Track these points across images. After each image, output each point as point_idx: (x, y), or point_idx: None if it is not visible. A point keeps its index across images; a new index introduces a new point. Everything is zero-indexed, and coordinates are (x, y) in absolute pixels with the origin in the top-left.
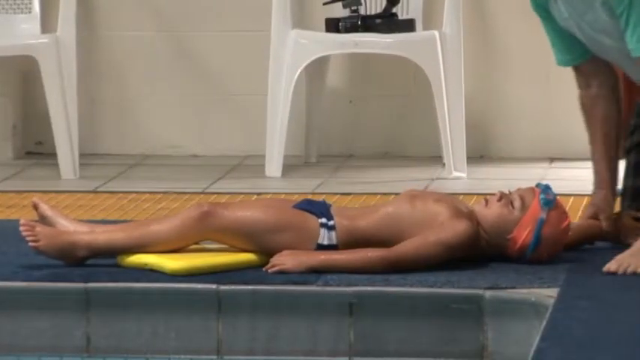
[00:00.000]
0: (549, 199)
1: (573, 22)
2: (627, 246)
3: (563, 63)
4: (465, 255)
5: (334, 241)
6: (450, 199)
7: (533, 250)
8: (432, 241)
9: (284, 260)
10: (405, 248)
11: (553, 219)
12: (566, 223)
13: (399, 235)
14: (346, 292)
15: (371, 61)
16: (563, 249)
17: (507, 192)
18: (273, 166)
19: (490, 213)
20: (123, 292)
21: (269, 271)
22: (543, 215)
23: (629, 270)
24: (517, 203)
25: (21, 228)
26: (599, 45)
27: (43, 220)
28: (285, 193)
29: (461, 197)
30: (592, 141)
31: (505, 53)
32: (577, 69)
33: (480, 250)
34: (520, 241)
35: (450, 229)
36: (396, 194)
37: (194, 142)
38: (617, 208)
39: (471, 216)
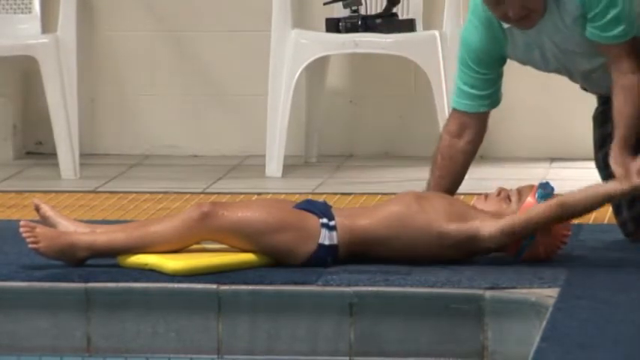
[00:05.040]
0: (546, 192)
1: (537, 48)
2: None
3: (460, 106)
4: (464, 253)
5: (335, 241)
6: (456, 199)
7: (529, 243)
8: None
9: None
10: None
11: None
12: None
13: (404, 232)
14: (347, 292)
15: (371, 61)
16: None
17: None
18: (273, 166)
19: (487, 207)
20: (123, 292)
21: None
22: None
23: None
24: (514, 197)
25: (21, 229)
26: (566, 61)
27: (45, 221)
28: (286, 193)
29: (461, 197)
30: (435, 185)
31: None
32: (460, 116)
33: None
34: None
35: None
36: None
37: (194, 142)
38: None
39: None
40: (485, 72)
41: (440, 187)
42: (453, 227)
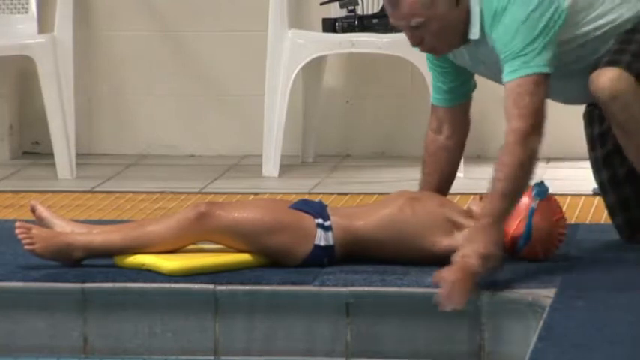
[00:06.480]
0: (541, 190)
1: (482, 64)
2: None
3: (434, 100)
4: None
5: (331, 242)
6: (448, 202)
7: (526, 242)
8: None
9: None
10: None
11: (544, 209)
12: (559, 216)
13: (397, 237)
14: (343, 292)
15: (368, 61)
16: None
17: None
18: (270, 166)
19: (483, 207)
20: (120, 292)
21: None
22: (534, 205)
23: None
24: None
25: (17, 230)
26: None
27: (41, 222)
28: (282, 193)
29: (458, 197)
30: (424, 183)
31: None
32: (437, 111)
33: None
34: (511, 232)
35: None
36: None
37: (191, 142)
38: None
39: (471, 216)
40: (443, 65)
41: (429, 185)
42: (445, 244)
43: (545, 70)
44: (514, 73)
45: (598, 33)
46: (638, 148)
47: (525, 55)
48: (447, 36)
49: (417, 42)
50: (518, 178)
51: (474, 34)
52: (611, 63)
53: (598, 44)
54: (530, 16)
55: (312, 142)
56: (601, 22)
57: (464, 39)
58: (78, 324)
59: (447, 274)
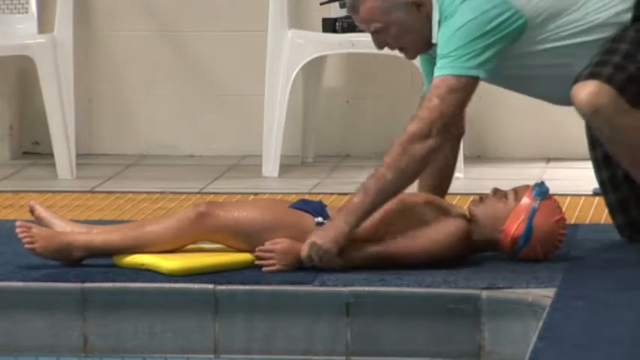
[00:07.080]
0: (542, 191)
1: None
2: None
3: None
4: (458, 254)
5: None
6: (438, 199)
7: (526, 242)
8: (423, 242)
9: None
10: (398, 248)
11: (545, 209)
12: (559, 217)
13: (394, 235)
14: (343, 292)
15: (368, 61)
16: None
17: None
18: (270, 166)
19: (483, 208)
20: (120, 292)
21: (264, 270)
22: (535, 205)
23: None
24: (510, 197)
25: (17, 230)
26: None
27: (40, 222)
28: (282, 193)
29: (457, 197)
30: (421, 183)
31: None
32: None
33: (474, 248)
34: (512, 232)
35: (440, 230)
36: None
37: (191, 142)
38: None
39: (461, 215)
40: (432, 59)
41: (427, 185)
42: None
43: (471, 73)
44: (437, 71)
45: (577, 40)
46: (628, 157)
47: (452, 56)
48: (410, 40)
49: (380, 46)
50: (387, 179)
51: (434, 38)
52: (592, 76)
53: (582, 50)
54: (471, 22)
55: (312, 142)
56: (576, 29)
57: (430, 42)
58: (78, 324)
59: (278, 242)
